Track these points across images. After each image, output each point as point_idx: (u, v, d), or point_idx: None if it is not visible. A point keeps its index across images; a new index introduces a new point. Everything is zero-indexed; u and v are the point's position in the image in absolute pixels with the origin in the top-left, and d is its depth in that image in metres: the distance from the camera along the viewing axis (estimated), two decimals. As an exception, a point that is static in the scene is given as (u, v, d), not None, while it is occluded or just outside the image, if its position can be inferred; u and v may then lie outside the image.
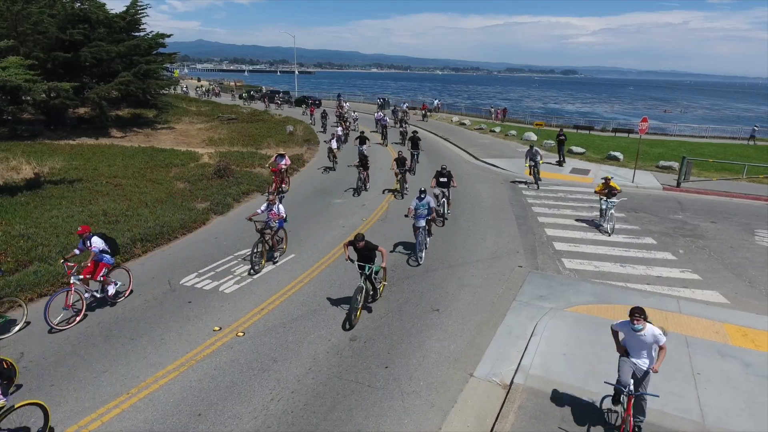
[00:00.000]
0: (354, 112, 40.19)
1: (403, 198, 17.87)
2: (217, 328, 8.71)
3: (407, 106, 48.08)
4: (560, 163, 24.72)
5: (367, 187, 19.01)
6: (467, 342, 8.55)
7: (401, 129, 32.27)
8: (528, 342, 8.40)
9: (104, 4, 32.28)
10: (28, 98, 26.51)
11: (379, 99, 57.20)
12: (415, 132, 23.77)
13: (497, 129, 37.67)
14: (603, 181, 14.85)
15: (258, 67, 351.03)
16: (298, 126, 34.70)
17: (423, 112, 45.49)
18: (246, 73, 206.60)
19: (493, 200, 18.03)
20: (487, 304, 9.97)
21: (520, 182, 20.77)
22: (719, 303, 10.18)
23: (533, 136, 33.21)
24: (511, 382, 7.34)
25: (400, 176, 18.09)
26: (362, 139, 22.35)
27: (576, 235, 14.13)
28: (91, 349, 8.01)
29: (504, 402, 6.89)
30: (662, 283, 11.07)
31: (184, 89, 68.33)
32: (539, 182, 19.94)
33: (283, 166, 18.27)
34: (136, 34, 34.79)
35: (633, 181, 20.99)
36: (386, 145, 29.43)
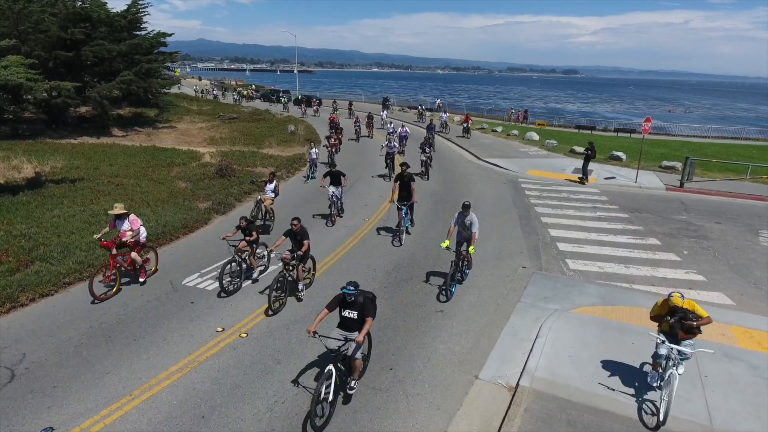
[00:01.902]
0: (392, 124, 27.13)
1: None
2: (219, 329, 8.65)
3: (447, 116, 36.27)
4: (582, 181, 20.94)
5: (251, 275, 10.71)
6: (472, 344, 8.50)
7: (425, 155, 20.54)
8: (533, 344, 8.34)
9: (105, 2, 32.23)
10: (29, 97, 26.47)
11: (420, 106, 44.80)
12: (404, 167, 13.67)
13: (499, 129, 37.59)
14: (669, 297, 6.67)
15: (259, 66, 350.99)
16: (300, 125, 34.65)
17: (465, 125, 33.05)
18: (247, 72, 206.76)
19: (495, 200, 17.96)
20: (491, 305, 9.91)
21: (438, 274, 11.20)
22: (725, 304, 10.12)
23: (535, 136, 33.16)
24: (517, 384, 7.28)
25: (272, 295, 9.14)
26: (334, 175, 14.49)
27: (580, 236, 14.06)
28: (93, 350, 7.95)
29: (510, 405, 6.82)
30: (667, 284, 10.99)
31: (213, 93, 61.62)
32: (455, 282, 10.43)
33: (129, 234, 9.96)
34: (138, 33, 34.75)
35: (636, 182, 20.92)
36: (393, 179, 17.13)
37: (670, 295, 6.66)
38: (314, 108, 45.80)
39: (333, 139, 24.26)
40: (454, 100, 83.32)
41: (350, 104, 46.26)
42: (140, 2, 33.84)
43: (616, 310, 9.62)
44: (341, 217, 15.04)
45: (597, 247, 13.26)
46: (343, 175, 14.62)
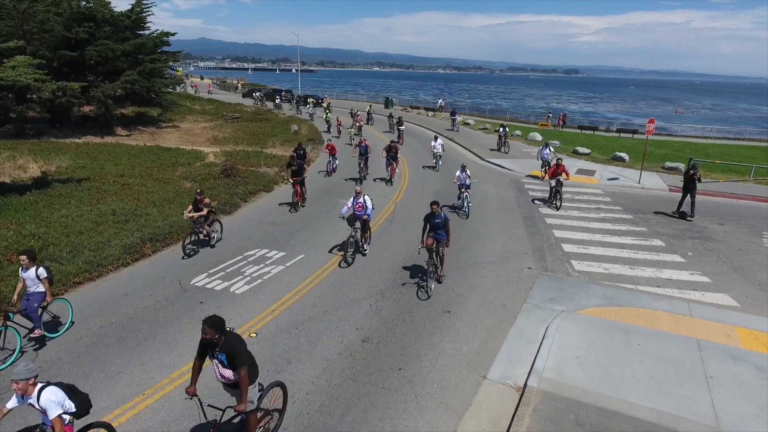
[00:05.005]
0: (465, 172, 16.17)
1: None
2: (229, 329, 8.70)
3: (551, 153, 21.29)
4: (687, 217, 16.02)
5: None
6: (479, 344, 8.57)
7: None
8: (540, 345, 8.41)
9: (109, 2, 32.30)
10: (34, 96, 26.54)
11: (501, 127, 28.07)
12: None
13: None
14: None
15: (260, 65, 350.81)
16: (303, 125, 34.71)
17: (556, 181, 16.95)
18: (249, 71, 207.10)
19: (500, 201, 18.02)
20: (497, 306, 9.99)
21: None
22: (729, 306, 10.18)
23: (538, 137, 33.20)
24: (525, 384, 7.35)
25: None
26: None
27: (584, 237, 14.12)
28: (105, 349, 8.03)
29: (518, 405, 6.90)
30: (672, 286, 11.08)
31: (259, 95, 50.51)
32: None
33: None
34: (141, 32, 34.81)
35: (639, 183, 20.96)
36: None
37: None
38: (358, 124, 31.04)
39: (200, 206, 12.32)
40: (455, 100, 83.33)
41: (391, 116, 34.19)
42: (144, 2, 33.91)
43: (622, 311, 9.68)
44: None
45: (602, 248, 13.33)
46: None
